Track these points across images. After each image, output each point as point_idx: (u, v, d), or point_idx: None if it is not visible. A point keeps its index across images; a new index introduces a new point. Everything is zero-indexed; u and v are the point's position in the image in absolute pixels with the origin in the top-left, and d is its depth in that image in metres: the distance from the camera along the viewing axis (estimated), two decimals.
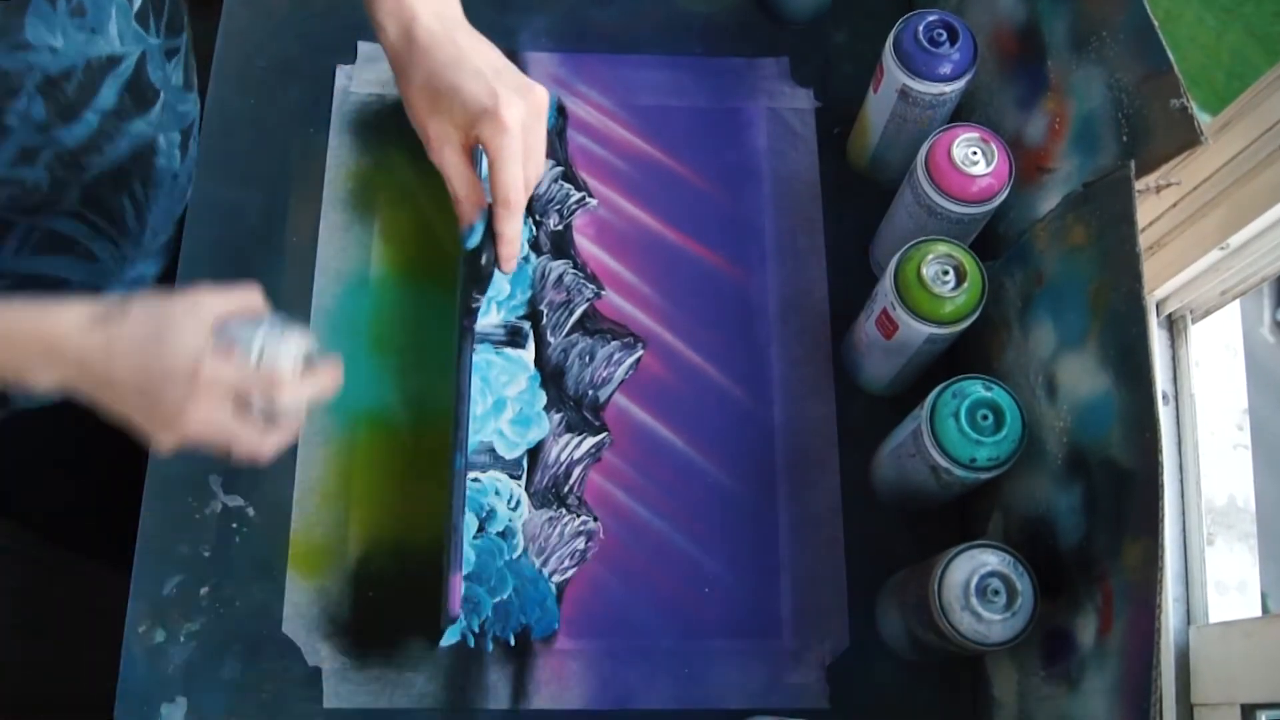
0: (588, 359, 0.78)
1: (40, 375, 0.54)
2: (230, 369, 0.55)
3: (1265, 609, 0.71)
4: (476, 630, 0.71)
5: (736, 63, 0.88)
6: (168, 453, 0.57)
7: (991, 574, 0.59)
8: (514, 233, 0.61)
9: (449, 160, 0.60)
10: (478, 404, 0.76)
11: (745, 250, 0.82)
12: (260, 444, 0.57)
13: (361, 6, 0.83)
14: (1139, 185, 0.59)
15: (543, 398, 0.77)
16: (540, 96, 0.60)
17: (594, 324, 0.79)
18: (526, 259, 0.80)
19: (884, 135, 0.76)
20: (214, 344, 0.55)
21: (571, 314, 0.79)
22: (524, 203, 0.61)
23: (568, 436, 0.76)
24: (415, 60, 0.59)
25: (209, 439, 0.57)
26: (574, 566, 0.73)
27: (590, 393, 0.77)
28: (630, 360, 0.78)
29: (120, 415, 0.56)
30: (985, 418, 0.62)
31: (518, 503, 0.74)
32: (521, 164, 0.59)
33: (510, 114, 0.57)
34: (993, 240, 0.74)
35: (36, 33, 0.54)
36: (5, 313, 0.54)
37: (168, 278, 0.78)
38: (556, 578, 0.72)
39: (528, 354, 0.78)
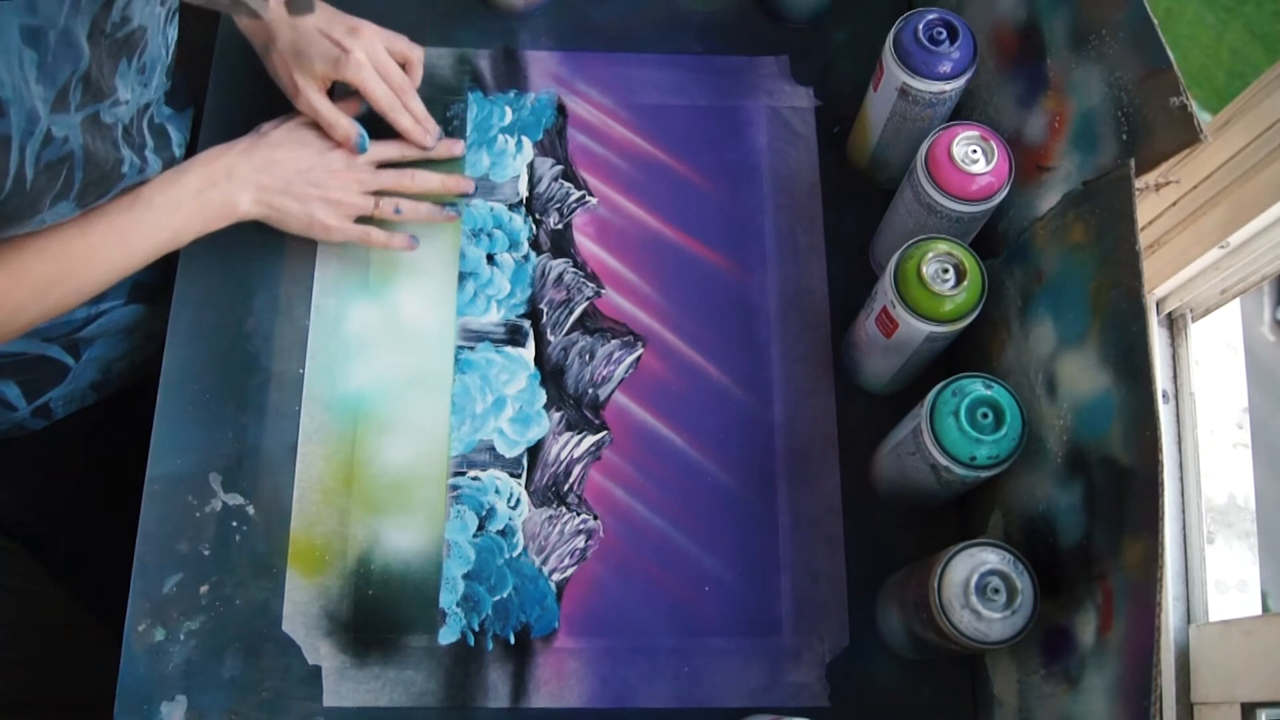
0: (588, 357, 0.78)
1: (240, 198, 0.72)
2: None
3: (1265, 608, 0.71)
4: (476, 629, 0.71)
5: (736, 61, 0.88)
6: (338, 235, 0.75)
7: (991, 572, 0.59)
8: (408, 123, 0.77)
9: (316, 101, 0.74)
10: (478, 402, 0.76)
11: (745, 249, 0.82)
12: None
13: (362, 5, 0.84)
14: (1139, 183, 0.59)
15: (543, 396, 0.77)
16: (366, 29, 0.75)
17: (594, 322, 0.79)
18: (526, 257, 0.81)
19: (884, 134, 0.76)
20: None
21: (571, 312, 0.79)
22: (398, 103, 0.76)
23: (568, 435, 0.76)
24: (265, 33, 0.74)
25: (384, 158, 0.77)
26: (574, 565, 0.73)
27: (590, 391, 0.77)
28: (630, 359, 0.78)
29: (298, 209, 0.73)
30: (985, 416, 0.62)
31: (517, 501, 0.74)
32: (383, 83, 0.75)
33: (357, 54, 0.74)
34: (993, 238, 0.74)
35: (121, 90, 0.65)
36: (183, 169, 0.70)
37: (168, 273, 0.78)
38: (556, 576, 0.72)
39: (528, 352, 0.78)
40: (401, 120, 0.76)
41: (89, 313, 0.77)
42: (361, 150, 0.75)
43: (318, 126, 0.75)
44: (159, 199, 0.69)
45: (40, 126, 0.58)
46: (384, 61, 0.75)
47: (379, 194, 0.76)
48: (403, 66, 0.77)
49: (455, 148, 0.81)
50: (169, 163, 0.73)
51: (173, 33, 0.70)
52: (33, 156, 0.58)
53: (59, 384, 0.79)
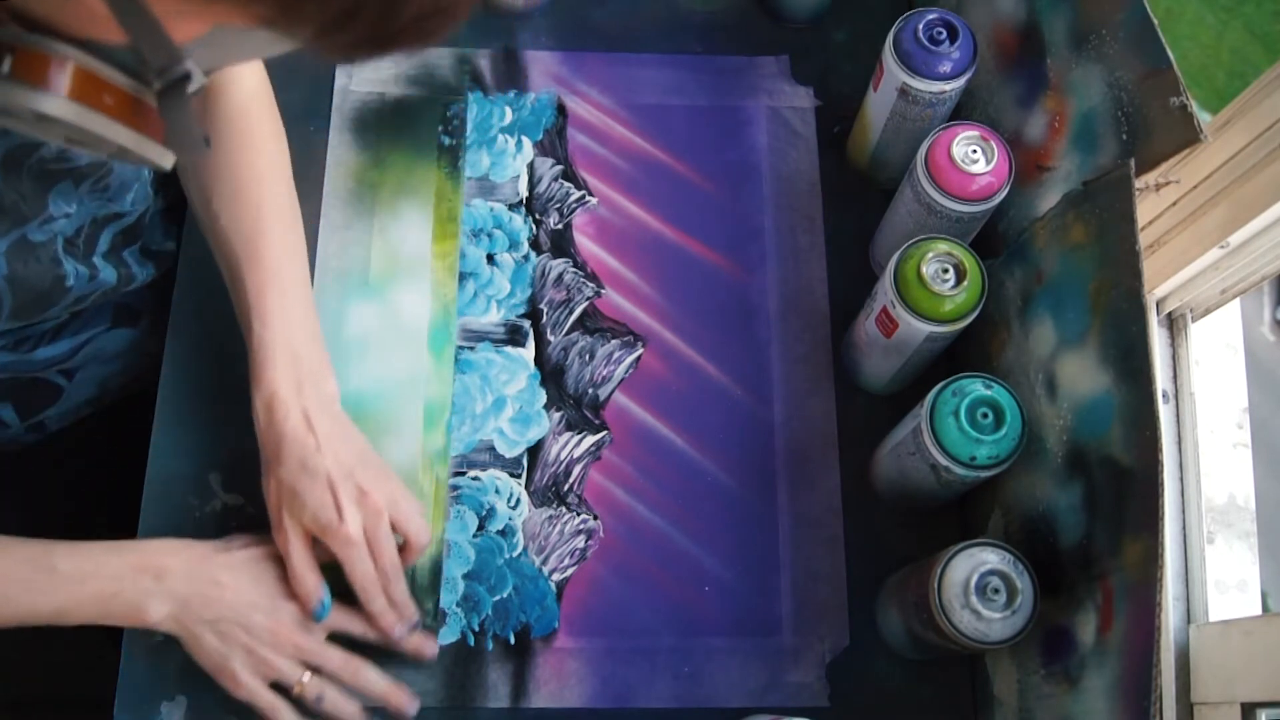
0: (588, 357, 0.78)
1: (153, 608, 0.61)
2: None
3: (1265, 608, 0.71)
4: (476, 629, 0.71)
5: (737, 61, 0.88)
6: (244, 694, 0.63)
7: (991, 572, 0.59)
8: (379, 609, 0.65)
9: (293, 547, 0.64)
10: (478, 402, 0.76)
11: (745, 249, 0.82)
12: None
13: None
14: (1139, 183, 0.59)
15: (543, 396, 0.77)
16: (379, 497, 0.64)
17: (594, 322, 0.79)
18: (526, 257, 0.80)
19: (884, 134, 0.76)
20: None
21: (571, 312, 0.79)
22: (378, 588, 0.65)
23: (568, 435, 0.76)
24: (275, 452, 0.64)
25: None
26: (574, 565, 0.73)
27: (590, 391, 0.77)
28: (630, 359, 0.78)
29: (214, 648, 0.62)
30: (985, 416, 0.62)
31: (517, 501, 0.74)
32: (369, 562, 0.64)
33: (351, 528, 0.63)
34: (993, 238, 0.74)
35: (57, 206, 0.60)
36: (116, 546, 0.62)
37: (168, 275, 0.78)
38: (556, 576, 0.72)
39: (527, 352, 0.78)
40: (373, 605, 0.65)
41: (74, 343, 0.76)
42: (318, 619, 0.65)
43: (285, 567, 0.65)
44: (66, 565, 0.60)
45: None
46: (380, 540, 0.65)
47: (313, 669, 0.65)
48: (402, 545, 0.67)
49: (426, 648, 0.68)
50: (122, 268, 0.69)
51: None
52: None
53: (53, 404, 0.78)
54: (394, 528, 0.66)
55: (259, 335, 0.65)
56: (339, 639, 0.66)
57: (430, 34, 0.38)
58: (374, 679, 0.66)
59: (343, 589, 0.65)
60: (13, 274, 0.60)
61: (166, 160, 0.46)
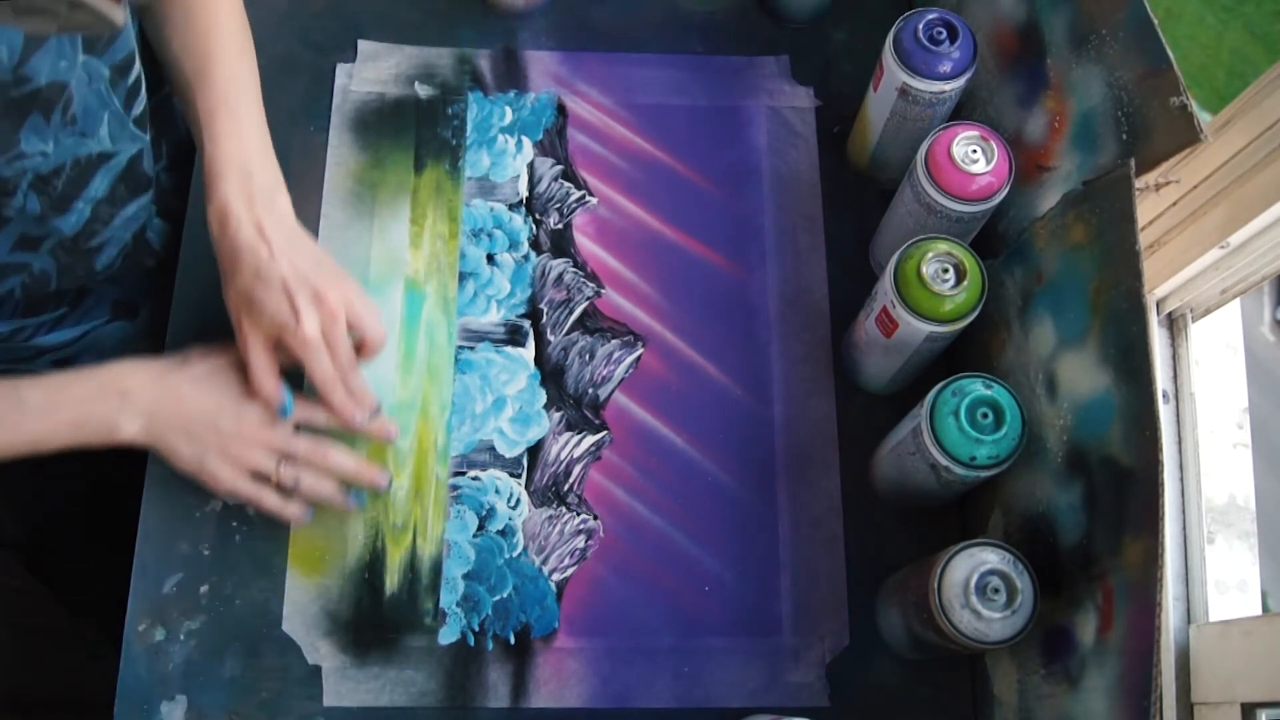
0: (588, 357, 0.78)
1: (125, 423, 0.64)
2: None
3: (1265, 608, 0.71)
4: (476, 629, 0.71)
5: (737, 61, 0.88)
6: (226, 488, 0.67)
7: (991, 572, 0.59)
8: (339, 401, 0.68)
9: (254, 354, 0.66)
10: (478, 402, 0.76)
11: (745, 248, 0.82)
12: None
13: (362, 5, 0.84)
14: (1139, 183, 0.59)
15: (543, 396, 0.77)
16: (335, 299, 0.66)
17: (594, 322, 0.79)
18: (526, 257, 0.81)
19: (884, 133, 0.76)
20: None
21: (571, 312, 0.79)
22: (336, 381, 0.67)
23: (568, 435, 0.76)
24: (232, 263, 0.65)
25: (274, 449, 0.67)
26: (574, 565, 0.73)
27: (590, 391, 0.77)
28: (630, 359, 0.78)
29: (190, 452, 0.65)
30: (985, 416, 0.62)
31: (517, 501, 0.74)
32: (328, 360, 0.66)
33: (309, 328, 0.65)
34: (993, 238, 0.74)
35: (30, 143, 0.59)
36: (78, 374, 0.63)
37: (151, 287, 0.78)
38: (556, 576, 0.72)
39: (528, 352, 0.78)
40: (334, 398, 0.67)
41: (72, 335, 0.76)
42: (284, 416, 0.68)
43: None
44: (34, 397, 0.62)
45: None
46: (337, 339, 0.66)
47: (285, 458, 0.68)
48: (359, 344, 0.69)
49: (389, 429, 0.71)
50: (93, 213, 0.68)
51: (132, 78, 0.66)
52: None
53: None
54: (351, 328, 0.67)
55: (210, 154, 0.66)
56: None
57: None
58: (343, 458, 0.69)
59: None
60: None
61: (116, 14, 0.44)
